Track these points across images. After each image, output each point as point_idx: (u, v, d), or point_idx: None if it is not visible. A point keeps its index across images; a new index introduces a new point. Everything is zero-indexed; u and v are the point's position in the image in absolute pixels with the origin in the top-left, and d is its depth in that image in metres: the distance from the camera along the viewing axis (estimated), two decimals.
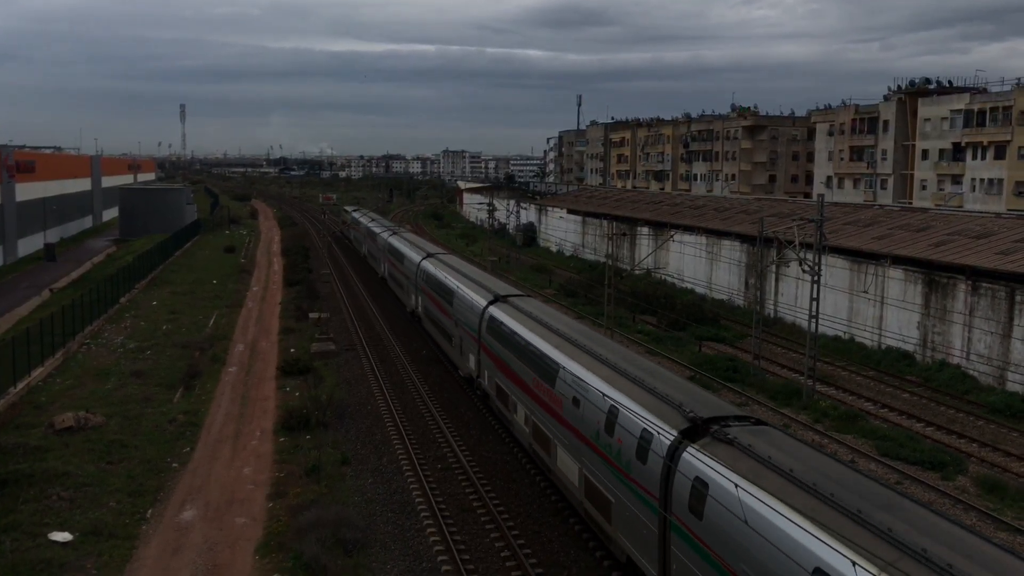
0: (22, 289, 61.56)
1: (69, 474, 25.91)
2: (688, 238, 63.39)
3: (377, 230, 72.17)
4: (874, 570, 12.05)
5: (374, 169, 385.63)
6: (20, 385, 34.76)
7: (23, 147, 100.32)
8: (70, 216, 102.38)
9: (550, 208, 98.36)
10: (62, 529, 22.42)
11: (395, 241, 60.69)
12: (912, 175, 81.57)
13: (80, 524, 22.82)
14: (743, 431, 16.88)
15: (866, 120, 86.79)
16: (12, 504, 23.72)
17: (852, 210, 58.90)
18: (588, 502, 21.54)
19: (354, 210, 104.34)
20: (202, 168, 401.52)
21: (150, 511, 24.10)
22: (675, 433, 17.37)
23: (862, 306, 45.82)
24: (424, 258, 48.76)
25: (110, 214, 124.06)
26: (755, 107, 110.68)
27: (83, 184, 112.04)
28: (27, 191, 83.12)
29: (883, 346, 43.83)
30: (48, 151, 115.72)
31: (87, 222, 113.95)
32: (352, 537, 21.66)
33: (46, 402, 33.70)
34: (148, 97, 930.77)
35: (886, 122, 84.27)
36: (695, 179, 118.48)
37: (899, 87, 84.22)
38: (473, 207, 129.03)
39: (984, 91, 75.37)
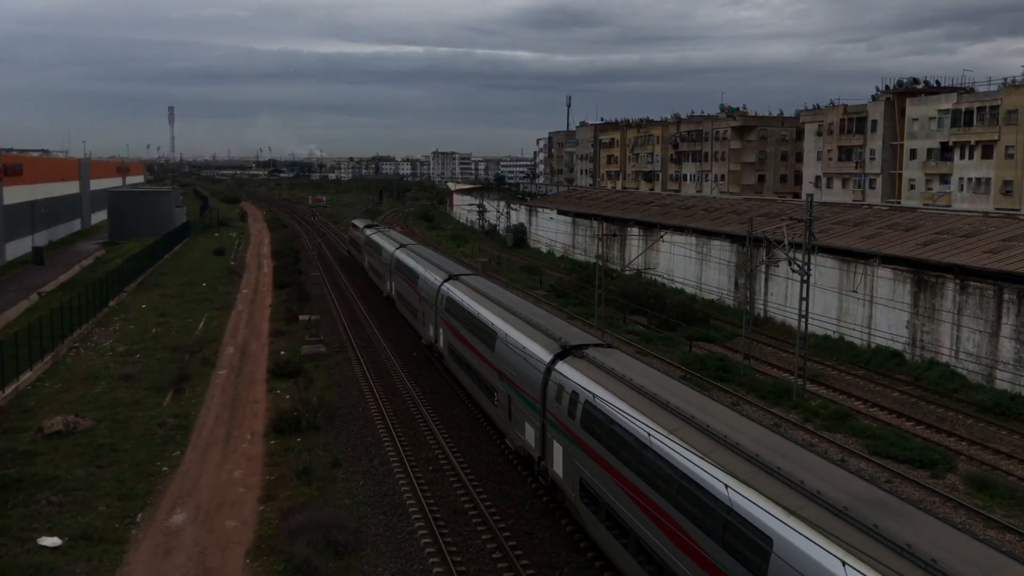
0: (10, 293, 61.19)
1: (58, 478, 25.80)
2: (678, 238, 63.51)
3: (421, 269, 45.06)
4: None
5: (364, 170, 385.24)
6: (8, 389, 34.58)
7: (10, 150, 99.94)
8: (58, 219, 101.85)
9: (540, 209, 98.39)
10: (51, 534, 22.31)
11: (467, 299, 34.54)
12: (900, 174, 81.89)
13: (69, 528, 22.71)
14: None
15: (854, 120, 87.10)
16: (0, 509, 23.59)
17: (841, 210, 59.10)
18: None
19: (368, 226, 74.52)
20: (191, 170, 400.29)
21: (140, 515, 24.00)
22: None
23: (851, 305, 45.98)
24: (560, 357, 24.50)
25: (99, 217, 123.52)
26: (744, 107, 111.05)
27: (71, 187, 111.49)
28: (15, 194, 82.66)
29: (873, 345, 43.99)
30: (36, 154, 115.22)
31: (75, 225, 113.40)
32: (343, 539, 21.62)
33: (35, 406, 33.53)
34: (136, 99, 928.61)
35: (874, 122, 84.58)
36: (685, 179, 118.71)
37: (887, 87, 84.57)
38: (463, 208, 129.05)
39: (971, 91, 75.74)
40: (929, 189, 77.53)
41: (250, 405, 34.88)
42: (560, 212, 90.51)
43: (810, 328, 38.59)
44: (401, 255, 52.70)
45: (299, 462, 27.49)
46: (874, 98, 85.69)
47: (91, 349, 43.99)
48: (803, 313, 36.70)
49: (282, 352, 43.51)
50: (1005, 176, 68.98)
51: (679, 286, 62.83)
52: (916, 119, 79.37)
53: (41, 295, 60.68)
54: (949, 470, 28.11)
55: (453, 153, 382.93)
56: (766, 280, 53.13)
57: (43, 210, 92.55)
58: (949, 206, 68.71)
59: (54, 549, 21.58)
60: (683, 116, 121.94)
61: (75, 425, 30.43)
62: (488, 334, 30.50)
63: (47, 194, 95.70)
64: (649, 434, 17.69)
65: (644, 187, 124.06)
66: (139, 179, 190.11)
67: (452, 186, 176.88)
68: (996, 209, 62.46)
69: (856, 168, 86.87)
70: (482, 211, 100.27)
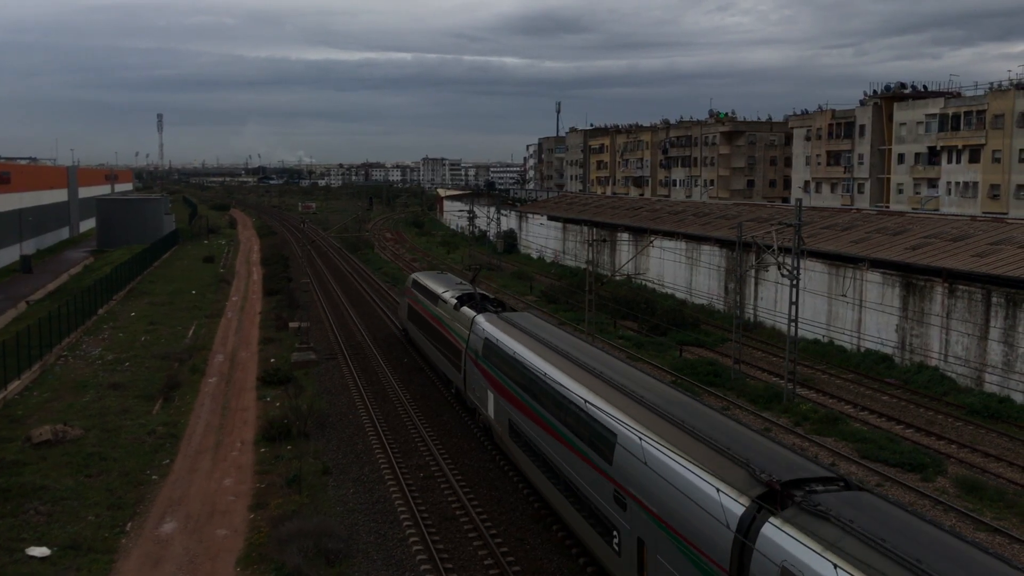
0: None
1: (47, 488, 25.66)
2: (668, 243, 63.64)
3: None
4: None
5: (353, 177, 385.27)
6: None
7: None
8: (46, 227, 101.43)
9: (530, 215, 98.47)
10: (40, 544, 22.18)
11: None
12: (889, 179, 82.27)
13: (58, 538, 22.58)
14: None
15: (842, 125, 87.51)
16: None
17: (830, 214, 59.32)
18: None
19: (468, 300, 35.53)
20: (180, 178, 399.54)
21: (129, 524, 23.88)
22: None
23: (841, 309, 46.13)
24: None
25: (87, 225, 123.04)
26: (732, 112, 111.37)
27: (60, 195, 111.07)
28: (2, 202, 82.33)
29: (862, 349, 44.13)
30: (24, 162, 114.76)
31: (64, 233, 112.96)
32: (334, 547, 21.57)
33: (23, 415, 33.34)
34: (124, 107, 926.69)
35: (862, 126, 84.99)
36: (674, 184, 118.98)
37: (875, 92, 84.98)
38: (453, 214, 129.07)
39: (958, 95, 76.18)
40: (917, 193, 77.90)
41: (240, 413, 34.76)
42: (550, 218, 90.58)
43: (800, 332, 38.69)
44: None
45: (289, 470, 27.41)
46: (862, 103, 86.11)
47: (80, 358, 43.77)
48: (793, 317, 36.80)
49: (272, 359, 43.39)
50: (992, 180, 69.38)
51: (669, 291, 62.94)
52: (904, 123, 79.77)
53: (29, 304, 60.38)
54: (939, 473, 28.20)
55: (443, 159, 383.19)
56: (756, 285, 53.26)
57: (31, 218, 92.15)
58: (937, 210, 69.06)
59: (43, 559, 21.45)
60: (672, 122, 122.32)
61: (64, 434, 30.28)
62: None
63: (35, 202, 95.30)
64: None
65: (634, 192, 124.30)
66: (128, 187, 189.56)
67: (442, 192, 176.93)
68: (984, 213, 62.80)
69: (844, 173, 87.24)
70: (472, 217, 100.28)
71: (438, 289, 39.76)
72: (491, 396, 28.79)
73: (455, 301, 35.91)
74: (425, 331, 40.89)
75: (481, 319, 31.66)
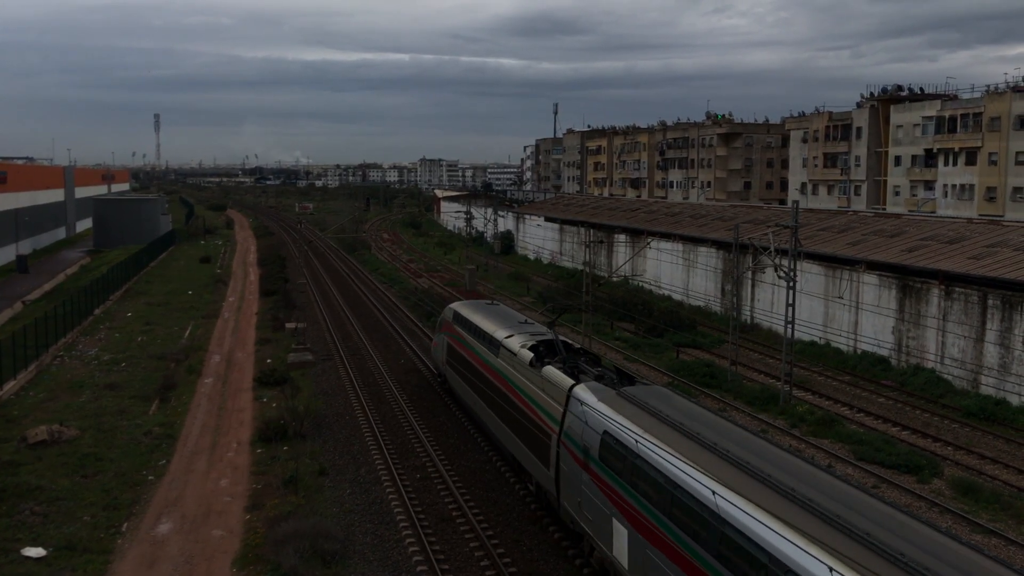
0: None
1: (42, 488, 25.62)
2: (665, 245, 63.67)
3: None
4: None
5: (351, 178, 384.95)
6: None
7: None
8: (43, 227, 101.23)
9: (528, 216, 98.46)
10: (35, 544, 22.14)
11: None
12: (885, 181, 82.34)
13: (54, 539, 22.54)
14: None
15: (839, 127, 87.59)
16: None
17: (826, 216, 59.38)
18: None
19: (544, 350, 25.67)
20: (177, 178, 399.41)
21: (125, 525, 23.84)
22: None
23: (837, 311, 46.18)
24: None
25: (84, 225, 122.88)
26: (729, 114, 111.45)
27: (56, 195, 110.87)
28: None
29: (859, 351, 44.17)
30: (20, 161, 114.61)
31: (60, 233, 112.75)
32: (330, 548, 21.55)
33: (19, 415, 33.29)
34: (121, 107, 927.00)
35: (859, 129, 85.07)
36: (671, 186, 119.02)
37: (872, 94, 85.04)
38: (451, 215, 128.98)
39: (955, 98, 76.25)
40: (914, 195, 77.99)
41: (236, 413, 34.73)
42: (547, 219, 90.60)
43: (796, 334, 38.72)
44: None
45: (286, 471, 27.38)
46: (859, 105, 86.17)
47: (76, 358, 43.71)
48: (789, 319, 36.83)
49: (268, 360, 43.36)
50: (988, 182, 69.46)
51: (666, 292, 62.98)
52: (900, 126, 79.86)
53: (25, 304, 60.28)
54: (935, 475, 28.23)
55: (440, 160, 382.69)
56: (752, 286, 53.30)
57: (27, 218, 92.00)
58: (933, 212, 69.14)
59: (38, 559, 21.42)
60: (669, 123, 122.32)
61: (59, 434, 30.23)
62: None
63: (31, 202, 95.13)
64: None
65: (631, 194, 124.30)
66: (124, 187, 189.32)
67: (439, 193, 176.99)
68: (980, 215, 62.88)
69: (841, 175, 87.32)
70: (469, 218, 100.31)
71: (497, 332, 28.98)
72: (622, 530, 18.13)
73: (530, 355, 25.11)
74: (478, 386, 29.73)
75: (588, 396, 20.55)
